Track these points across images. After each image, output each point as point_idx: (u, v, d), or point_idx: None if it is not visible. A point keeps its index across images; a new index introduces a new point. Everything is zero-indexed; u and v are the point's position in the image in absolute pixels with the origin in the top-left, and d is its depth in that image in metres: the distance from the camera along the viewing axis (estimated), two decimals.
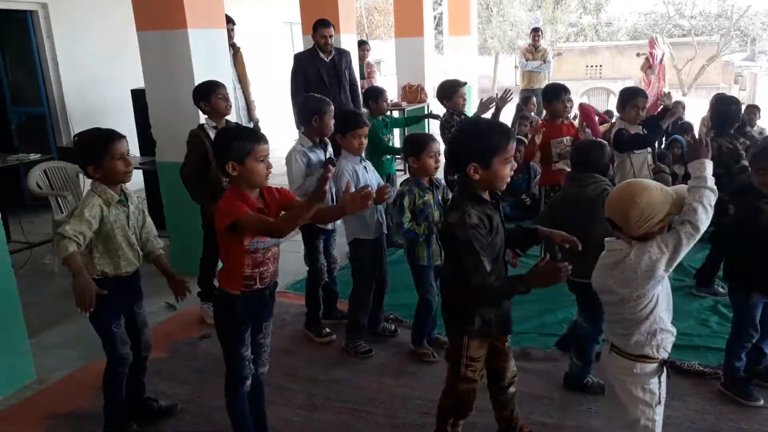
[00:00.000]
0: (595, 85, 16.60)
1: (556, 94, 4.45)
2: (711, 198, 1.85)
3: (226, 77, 4.76)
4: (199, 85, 3.77)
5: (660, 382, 1.99)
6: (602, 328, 2.90)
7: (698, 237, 1.87)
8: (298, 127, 4.14)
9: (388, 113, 5.81)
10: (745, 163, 3.93)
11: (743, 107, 7.06)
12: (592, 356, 2.99)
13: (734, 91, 17.97)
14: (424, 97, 8.57)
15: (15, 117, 7.13)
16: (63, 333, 3.83)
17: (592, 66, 23.59)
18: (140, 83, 4.75)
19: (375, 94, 5.44)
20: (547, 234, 2.35)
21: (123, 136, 2.56)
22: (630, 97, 4.14)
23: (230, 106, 3.77)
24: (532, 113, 7.46)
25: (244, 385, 2.46)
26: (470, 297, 2.15)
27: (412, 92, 8.52)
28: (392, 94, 9.03)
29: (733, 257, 2.88)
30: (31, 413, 3.04)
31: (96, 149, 2.48)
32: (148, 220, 2.78)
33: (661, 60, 9.42)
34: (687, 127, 6.13)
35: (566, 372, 3.08)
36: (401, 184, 3.32)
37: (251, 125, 5.96)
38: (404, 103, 8.41)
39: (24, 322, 3.30)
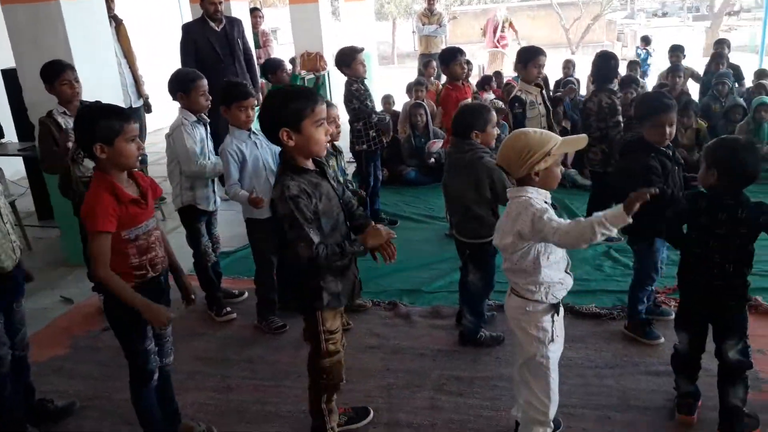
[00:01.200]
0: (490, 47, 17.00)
1: (452, 56, 4.50)
2: (591, 239, 1.92)
3: (109, 53, 4.47)
4: (44, 65, 3.46)
5: (553, 321, 2.10)
6: (491, 283, 3.05)
7: (553, 240, 1.99)
8: None
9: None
10: (620, 118, 4.16)
11: (627, 63, 7.52)
12: (483, 311, 3.12)
13: (617, 48, 19.02)
14: (323, 65, 8.42)
15: None
16: None
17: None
18: (11, 62, 4.34)
19: (273, 66, 5.29)
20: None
21: None
22: (531, 56, 4.23)
23: (78, 92, 3.48)
24: (432, 77, 7.54)
25: (152, 379, 2.35)
26: (312, 273, 2.14)
27: (311, 60, 8.35)
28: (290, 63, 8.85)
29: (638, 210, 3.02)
30: None
31: None
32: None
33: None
34: (570, 83, 6.41)
35: (460, 330, 3.19)
36: None
37: (140, 102, 5.63)
38: (303, 72, 8.24)
39: None
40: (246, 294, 3.84)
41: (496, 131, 2.99)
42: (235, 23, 5.69)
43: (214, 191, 3.45)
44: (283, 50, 10.54)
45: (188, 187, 3.36)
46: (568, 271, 2.16)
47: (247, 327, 3.52)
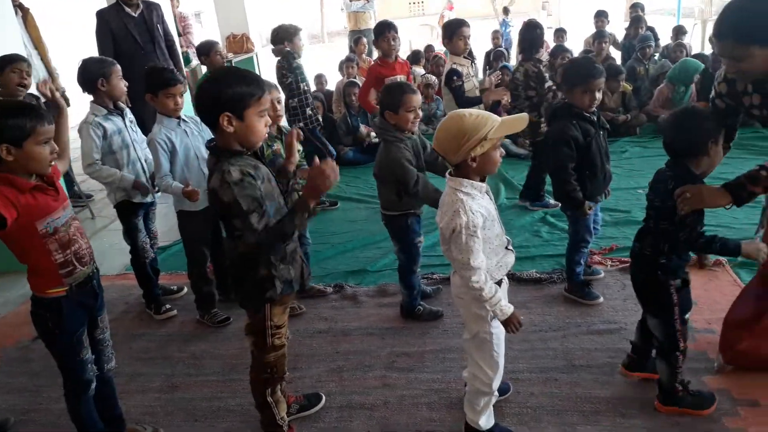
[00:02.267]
0: (425, 21, 17.01)
1: (380, 31, 4.45)
2: (484, 301, 2.00)
3: (16, 42, 4.18)
4: None
5: None
6: (414, 257, 3.05)
7: (455, 266, 2.03)
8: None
9: None
10: (549, 84, 4.23)
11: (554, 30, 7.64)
12: (415, 285, 3.12)
13: (542, 17, 19.37)
14: (251, 46, 8.20)
15: None
16: None
17: (414, 2, 24.14)
18: None
19: (206, 49, 5.10)
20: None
21: None
22: (455, 28, 4.23)
23: (28, 84, 3.28)
24: (363, 54, 7.46)
25: (90, 389, 2.23)
26: (262, 262, 2.05)
27: (237, 42, 8.11)
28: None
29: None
30: None
31: None
32: None
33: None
34: (502, 54, 6.46)
35: (400, 304, 3.20)
36: None
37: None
38: (231, 55, 7.98)
39: None
40: (185, 289, 3.72)
41: (413, 115, 2.79)
42: (153, 8, 5.42)
43: (148, 181, 3.29)
44: (211, 34, 10.18)
45: (128, 187, 3.20)
46: (509, 247, 2.15)
47: (189, 323, 3.41)
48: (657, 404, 2.34)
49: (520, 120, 2.01)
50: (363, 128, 5.91)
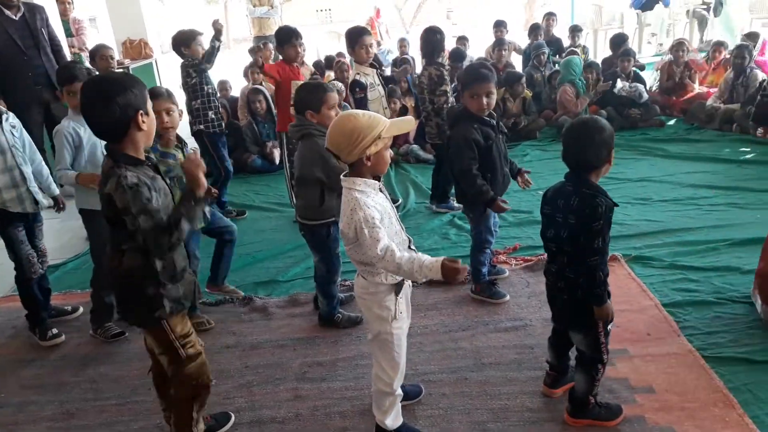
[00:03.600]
0: (330, 29, 16.98)
1: (287, 38, 4.39)
2: (403, 275, 1.99)
3: None
4: None
5: (396, 299, 2.10)
6: (333, 266, 3.03)
7: (375, 262, 1.98)
8: None
9: None
10: (446, 88, 4.32)
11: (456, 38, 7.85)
12: (334, 294, 3.10)
13: (447, 25, 19.96)
14: (149, 51, 7.87)
15: None
16: None
17: (322, 10, 24.11)
18: None
19: (94, 53, 4.85)
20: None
21: None
22: (357, 37, 4.25)
23: None
24: (270, 60, 7.32)
25: None
26: (149, 281, 1.97)
27: (135, 48, 7.76)
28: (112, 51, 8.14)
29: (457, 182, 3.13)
30: None
31: None
32: None
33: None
34: (408, 61, 6.57)
35: (319, 313, 3.17)
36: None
37: None
38: (128, 60, 7.62)
39: None
40: (81, 309, 3.48)
41: (334, 113, 2.83)
42: (36, 10, 5.09)
43: (29, 191, 3.05)
44: (106, 39, 9.70)
45: None
46: (412, 247, 2.15)
47: (85, 345, 3.19)
48: (567, 417, 2.32)
49: (408, 122, 2.11)
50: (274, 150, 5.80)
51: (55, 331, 3.24)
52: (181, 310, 2.07)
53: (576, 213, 2.07)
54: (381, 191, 2.08)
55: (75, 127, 2.95)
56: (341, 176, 2.06)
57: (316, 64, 7.59)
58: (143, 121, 1.89)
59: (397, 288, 2.10)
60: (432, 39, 4.32)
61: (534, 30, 7.31)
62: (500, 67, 6.52)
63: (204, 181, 1.93)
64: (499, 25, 7.25)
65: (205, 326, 3.20)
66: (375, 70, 4.37)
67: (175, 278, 2.00)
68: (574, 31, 7.63)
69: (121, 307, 2.08)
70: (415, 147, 5.76)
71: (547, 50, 6.80)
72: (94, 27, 9.62)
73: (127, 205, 1.81)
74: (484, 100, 2.90)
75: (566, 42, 7.73)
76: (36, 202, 3.07)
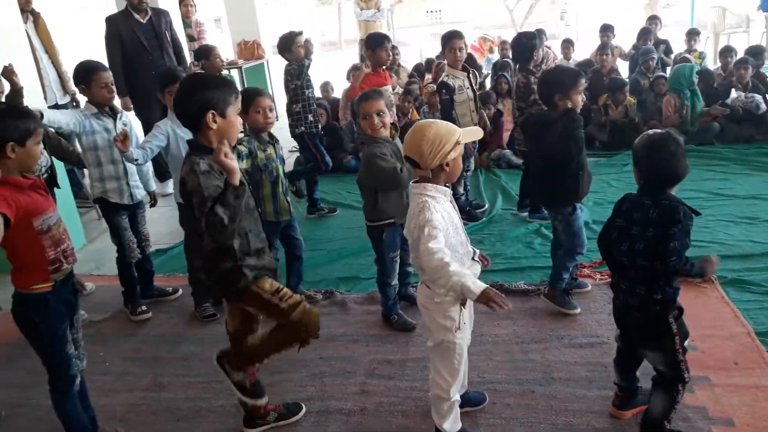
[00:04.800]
0: (437, 30, 17.04)
1: (380, 41, 4.50)
2: (445, 287, 1.98)
3: (24, 48, 4.30)
4: None
5: (461, 310, 2.12)
6: (388, 268, 3.12)
7: (422, 259, 1.99)
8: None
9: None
10: (533, 98, 4.25)
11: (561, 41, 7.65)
12: (390, 295, 3.18)
13: (560, 28, 19.35)
14: (261, 53, 8.31)
15: None
16: None
17: (432, 11, 24.22)
18: None
19: (205, 53, 5.18)
20: None
21: None
22: (447, 40, 4.30)
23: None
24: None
25: (75, 384, 2.31)
26: (226, 258, 2.12)
27: (248, 49, 8.23)
28: (228, 52, 8.67)
29: (555, 178, 3.05)
30: None
31: None
32: None
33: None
34: (507, 64, 6.48)
35: (382, 310, 3.26)
36: (241, 140, 3.24)
37: (67, 99, 5.45)
38: (241, 61, 8.10)
39: None
40: (180, 291, 3.79)
41: (368, 122, 2.92)
42: (161, 14, 5.56)
43: (128, 185, 3.38)
44: (226, 39, 10.33)
45: (98, 178, 3.32)
46: (476, 258, 2.18)
47: (181, 324, 3.48)
48: None
49: (477, 131, 2.18)
50: None
51: (144, 308, 3.57)
52: (264, 275, 2.22)
53: (655, 224, 2.05)
54: (451, 201, 2.12)
55: (172, 127, 3.20)
56: (411, 183, 2.13)
57: (417, 68, 7.69)
58: (214, 121, 2.04)
59: (462, 300, 2.13)
60: (522, 44, 4.27)
61: (643, 34, 6.97)
62: (604, 72, 6.29)
63: (233, 167, 1.97)
64: (606, 30, 6.98)
65: (314, 299, 3.45)
66: (466, 74, 4.39)
67: (250, 254, 2.15)
68: (691, 34, 7.19)
69: (208, 285, 2.28)
70: (508, 152, 5.70)
71: (656, 56, 6.46)
72: (219, 27, 10.30)
73: (196, 188, 1.98)
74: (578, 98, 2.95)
75: (682, 46, 7.31)
76: (131, 195, 3.39)
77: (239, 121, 2.15)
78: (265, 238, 2.30)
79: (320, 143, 4.76)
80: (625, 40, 7.80)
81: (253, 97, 3.06)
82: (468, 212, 4.54)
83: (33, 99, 4.14)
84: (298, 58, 4.51)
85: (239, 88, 6.34)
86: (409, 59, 10.88)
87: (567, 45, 7.38)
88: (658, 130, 2.20)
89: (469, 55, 7.74)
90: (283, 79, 4.67)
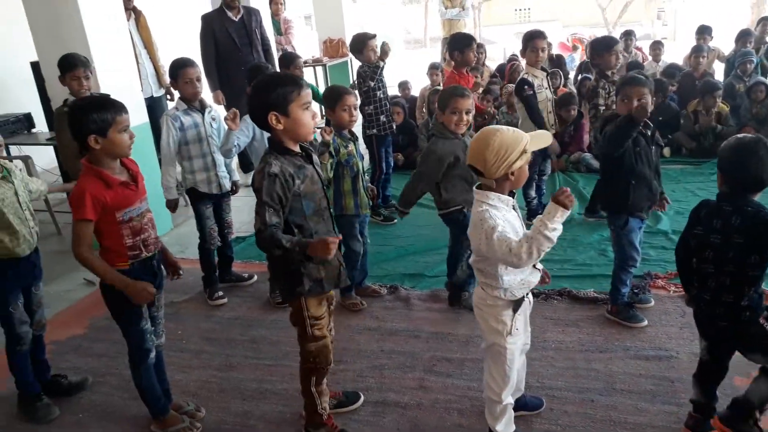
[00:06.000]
0: (524, 29, 16.74)
1: (467, 41, 4.53)
2: (544, 246, 1.91)
3: (126, 44, 4.63)
4: (60, 57, 3.65)
5: (513, 315, 2.12)
6: (465, 249, 3.19)
7: (510, 262, 1.99)
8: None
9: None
10: (596, 101, 4.13)
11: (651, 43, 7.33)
12: (460, 273, 3.30)
13: (657, 27, 18.47)
14: (345, 51, 8.47)
15: None
16: None
17: (520, 9, 23.75)
18: None
19: (287, 62, 5.35)
20: None
21: None
22: (528, 40, 4.25)
23: (87, 88, 3.63)
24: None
25: (149, 357, 2.50)
26: (293, 258, 2.17)
27: (333, 47, 8.43)
28: (314, 50, 8.92)
29: (608, 185, 3.02)
30: None
31: None
32: (32, 186, 2.75)
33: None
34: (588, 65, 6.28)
35: (450, 283, 3.38)
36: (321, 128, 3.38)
37: (162, 92, 5.81)
38: (326, 59, 8.32)
39: None
40: (255, 277, 3.98)
41: (455, 117, 3.04)
42: (252, 13, 5.81)
43: (217, 175, 3.58)
44: (314, 36, 10.60)
45: (189, 170, 3.53)
46: (537, 266, 2.16)
47: (254, 309, 3.66)
48: (715, 421, 2.21)
49: (546, 136, 2.12)
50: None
51: (220, 293, 3.77)
52: (319, 292, 2.28)
53: (741, 232, 1.99)
54: (514, 209, 2.11)
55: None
56: (474, 188, 2.12)
57: (500, 68, 7.62)
58: (278, 122, 2.08)
59: (515, 305, 2.13)
60: (597, 47, 4.17)
61: (742, 36, 6.55)
62: (697, 75, 5.98)
63: (328, 256, 2.06)
64: (703, 32, 6.61)
65: (358, 307, 3.48)
66: (545, 74, 4.33)
67: (312, 259, 2.19)
68: None
69: (271, 279, 2.39)
70: (588, 155, 5.54)
71: (755, 59, 6.07)
72: (309, 25, 10.59)
73: (259, 188, 2.07)
74: (635, 104, 2.83)
75: None
76: (220, 185, 3.59)
77: (308, 116, 2.13)
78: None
79: (387, 146, 4.82)
80: (727, 42, 7.38)
81: (341, 95, 3.17)
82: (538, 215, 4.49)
83: (132, 92, 4.48)
84: (369, 59, 4.60)
85: (324, 85, 6.50)
86: (495, 58, 10.78)
87: (657, 46, 7.06)
88: (750, 135, 2.12)
89: (558, 56, 7.59)
90: (356, 81, 4.77)
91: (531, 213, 4.44)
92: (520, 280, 2.10)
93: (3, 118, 5.64)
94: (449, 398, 2.68)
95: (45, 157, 6.03)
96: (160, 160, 5.06)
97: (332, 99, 3.19)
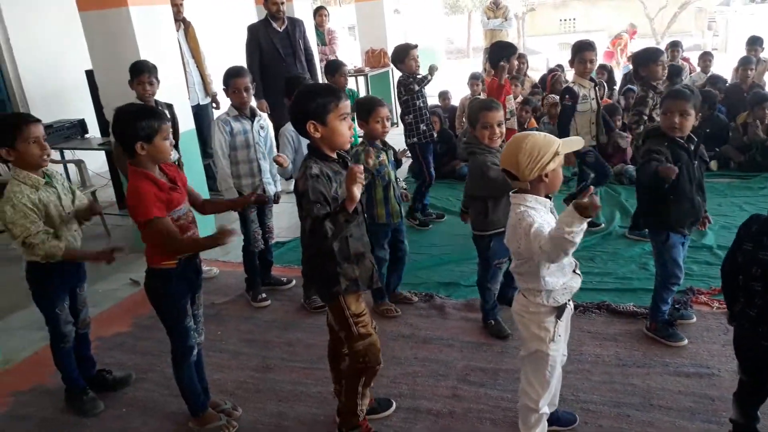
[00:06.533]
0: (568, 39, 16.56)
1: (513, 52, 4.55)
2: (567, 248, 1.90)
3: (174, 54, 4.79)
4: (132, 63, 3.83)
5: (556, 321, 2.12)
6: (490, 274, 3.16)
7: (542, 259, 2.00)
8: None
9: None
10: (641, 109, 4.05)
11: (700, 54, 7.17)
12: (488, 299, 3.23)
13: (707, 38, 18.01)
14: (387, 61, 8.55)
15: None
16: (29, 315, 3.91)
17: (565, 20, 23.48)
18: None
19: (332, 69, 5.44)
20: None
21: (37, 120, 2.58)
22: (577, 51, 4.24)
23: (152, 92, 3.80)
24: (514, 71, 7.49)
25: (192, 355, 2.59)
26: (329, 259, 2.24)
27: (375, 57, 8.52)
28: (357, 60, 9.04)
29: (647, 200, 2.96)
30: None
31: (6, 132, 2.50)
32: (79, 194, 2.86)
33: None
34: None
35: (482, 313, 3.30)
36: (356, 145, 3.43)
37: (208, 100, 5.98)
38: (367, 68, 8.41)
39: None
40: (294, 282, 4.04)
41: (487, 131, 3.00)
42: (296, 23, 5.94)
43: (261, 181, 3.67)
44: (357, 46, 10.75)
45: (236, 175, 3.64)
46: (577, 271, 2.17)
47: (291, 312, 3.72)
48: None
49: (577, 141, 2.16)
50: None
51: (264, 296, 3.85)
52: (356, 290, 2.33)
53: None
54: (552, 212, 2.13)
55: (294, 132, 3.41)
56: (510, 193, 2.15)
57: (542, 79, 7.57)
58: (316, 130, 2.16)
59: (558, 311, 2.13)
60: (642, 58, 4.12)
61: None
62: (744, 88, 5.82)
63: (356, 196, 2.06)
64: (754, 43, 6.42)
65: (393, 313, 3.51)
66: (593, 85, 4.30)
67: (349, 259, 2.26)
68: None
69: (307, 282, 2.44)
70: (631, 167, 5.44)
71: None
72: (352, 35, 10.74)
73: (305, 191, 2.13)
74: (676, 119, 2.75)
75: None
76: (264, 191, 3.68)
77: (345, 126, 2.20)
78: (368, 242, 2.40)
79: (430, 153, 4.85)
80: None
81: (374, 107, 3.22)
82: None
83: (179, 99, 4.64)
84: (410, 69, 4.65)
85: (362, 95, 6.59)
86: (538, 68, 10.71)
87: (706, 57, 6.89)
88: None
89: (603, 66, 7.50)
90: (396, 91, 4.82)
91: None
92: (562, 284, 2.11)
93: (59, 123, 5.91)
94: (482, 408, 2.67)
95: (98, 161, 6.28)
96: (207, 166, 5.23)
97: (365, 111, 3.25)
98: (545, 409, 2.25)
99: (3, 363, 3.44)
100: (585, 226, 1.86)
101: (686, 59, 7.40)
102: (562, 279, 2.11)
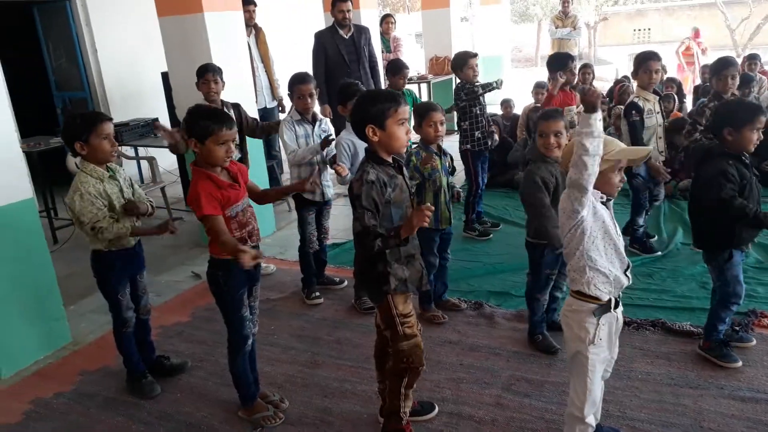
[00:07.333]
0: (642, 49, 16.06)
1: (564, 63, 4.49)
2: (588, 143, 1.93)
3: (244, 58, 4.99)
4: (198, 67, 4.02)
5: (598, 324, 2.10)
6: (543, 283, 3.12)
7: (581, 190, 2.01)
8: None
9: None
10: (701, 120, 3.90)
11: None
12: (536, 311, 3.18)
13: None
14: (450, 69, 8.59)
15: (60, 102, 7.58)
16: (98, 300, 4.16)
17: (640, 30, 22.79)
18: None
19: (395, 70, 5.52)
20: None
21: (109, 119, 2.77)
22: (641, 61, 4.12)
23: (216, 92, 3.95)
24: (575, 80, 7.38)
25: (247, 344, 2.70)
26: (379, 259, 2.30)
27: (439, 64, 8.57)
28: (421, 67, 9.11)
29: (710, 219, 2.85)
30: (66, 370, 3.39)
31: (82, 128, 2.69)
32: (137, 189, 3.01)
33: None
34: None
35: (528, 327, 3.26)
36: (411, 147, 3.49)
37: (274, 103, 6.18)
38: (431, 75, 8.46)
39: (59, 291, 3.65)
40: (346, 282, 4.14)
41: (543, 140, 2.98)
42: (362, 31, 6.06)
43: (321, 184, 3.78)
44: (421, 54, 10.82)
45: (296, 176, 3.75)
46: (628, 274, 2.15)
47: (342, 312, 3.81)
48: None
49: (641, 151, 2.15)
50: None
51: (317, 294, 3.96)
52: (404, 290, 2.38)
53: None
54: (605, 204, 2.14)
55: (351, 139, 3.51)
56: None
57: (609, 90, 7.40)
58: (375, 134, 2.23)
59: (598, 311, 2.12)
60: (712, 69, 3.97)
61: None
62: None
63: (414, 230, 2.16)
64: None
65: (440, 320, 3.53)
66: (657, 98, 4.18)
67: (399, 260, 2.33)
68: None
69: (358, 281, 2.51)
70: (687, 182, 5.25)
71: None
72: (419, 43, 10.83)
73: (359, 194, 2.20)
74: (754, 136, 2.67)
75: None
76: (323, 194, 3.79)
77: (403, 131, 2.26)
78: (419, 245, 2.46)
79: (482, 162, 4.84)
80: None
81: (428, 112, 3.27)
82: (643, 243, 4.32)
83: (248, 102, 4.83)
84: (467, 77, 4.66)
85: (423, 101, 6.67)
86: (608, 78, 10.46)
87: (753, 60, 6.53)
88: None
89: (671, 79, 7.26)
90: (454, 97, 4.84)
91: (634, 240, 4.30)
92: (605, 268, 2.10)
93: (134, 122, 6.26)
94: (525, 417, 2.66)
95: (169, 159, 6.59)
96: (271, 167, 5.41)
97: (420, 115, 3.30)
98: (590, 420, 2.22)
99: (73, 344, 3.68)
100: (595, 123, 1.90)
101: (764, 72, 7.05)
102: (606, 264, 2.10)
